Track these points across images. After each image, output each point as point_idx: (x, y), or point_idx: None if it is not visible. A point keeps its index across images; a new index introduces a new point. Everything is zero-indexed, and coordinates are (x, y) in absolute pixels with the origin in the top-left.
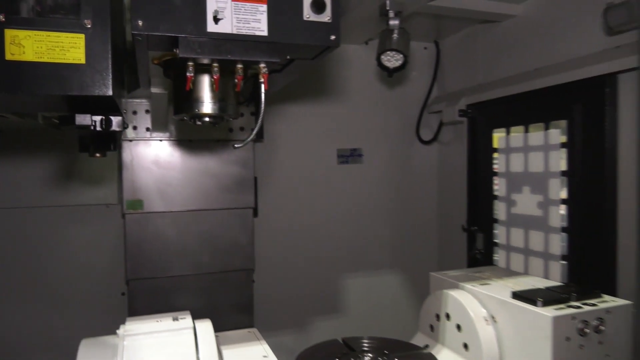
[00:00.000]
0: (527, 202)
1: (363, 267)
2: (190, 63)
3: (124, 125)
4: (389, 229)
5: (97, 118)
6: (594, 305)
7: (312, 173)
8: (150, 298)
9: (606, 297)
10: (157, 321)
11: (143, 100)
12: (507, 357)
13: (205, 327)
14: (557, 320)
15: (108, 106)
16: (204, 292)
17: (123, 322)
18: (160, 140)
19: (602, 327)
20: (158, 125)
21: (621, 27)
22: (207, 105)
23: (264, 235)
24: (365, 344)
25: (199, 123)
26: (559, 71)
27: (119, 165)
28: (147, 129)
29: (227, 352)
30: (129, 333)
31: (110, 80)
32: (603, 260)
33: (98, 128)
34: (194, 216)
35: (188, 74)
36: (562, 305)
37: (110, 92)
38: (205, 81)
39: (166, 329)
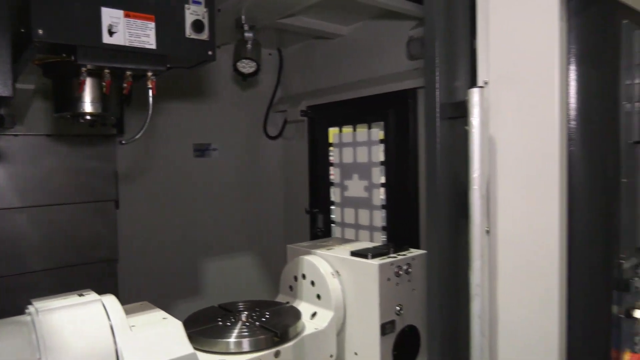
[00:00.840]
0: (356, 187)
1: (221, 250)
2: (84, 68)
3: (14, 122)
4: (241, 215)
5: None
6: (404, 255)
7: (171, 166)
8: (9, 296)
9: (412, 250)
10: (64, 298)
11: None
12: (349, 299)
13: (112, 299)
14: (381, 266)
15: None
16: (67, 286)
17: None
18: (15, 135)
19: (410, 270)
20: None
21: (418, 55)
22: (93, 105)
23: (128, 226)
24: (240, 306)
25: (82, 121)
26: (377, 84)
27: None
28: None
29: (130, 319)
30: (41, 309)
31: (11, 82)
32: (410, 226)
33: None
34: (54, 211)
35: (82, 78)
36: (384, 257)
37: (11, 93)
38: (91, 83)
39: (76, 303)
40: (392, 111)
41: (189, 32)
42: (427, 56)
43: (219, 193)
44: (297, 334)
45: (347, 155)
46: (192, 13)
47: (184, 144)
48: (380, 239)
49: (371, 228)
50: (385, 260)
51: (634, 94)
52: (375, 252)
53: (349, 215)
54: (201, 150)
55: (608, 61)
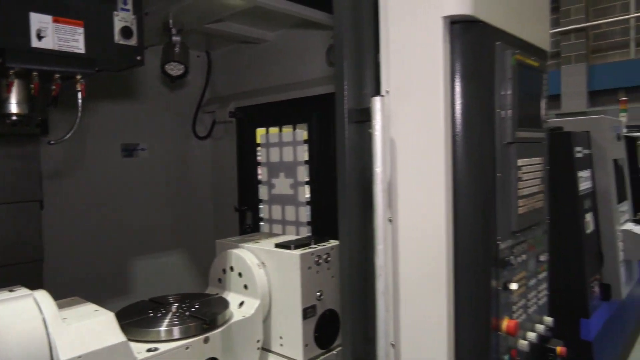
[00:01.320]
0: (282, 185)
1: (151, 249)
2: (12, 70)
3: None
4: (171, 213)
5: None
6: (324, 245)
7: (98, 166)
8: None
9: (332, 241)
10: None
11: None
12: (274, 288)
13: (43, 293)
14: (302, 256)
15: None
16: None
17: None
18: None
19: (329, 259)
20: None
21: None
22: (20, 106)
23: (54, 226)
24: (170, 299)
25: (7, 121)
26: (301, 87)
27: None
28: None
29: (62, 312)
30: None
31: None
32: (332, 220)
33: None
34: None
35: (10, 80)
36: (306, 248)
37: None
38: (19, 84)
39: (7, 298)
40: (314, 113)
41: (117, 37)
42: (337, 67)
43: (148, 192)
44: (225, 322)
45: (274, 155)
46: (121, 20)
47: (111, 144)
48: (305, 233)
49: (297, 223)
50: (307, 250)
51: (507, 102)
52: (297, 244)
53: (276, 211)
54: (129, 150)
55: (485, 76)
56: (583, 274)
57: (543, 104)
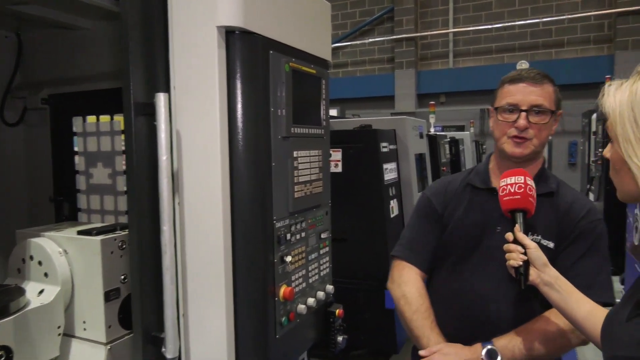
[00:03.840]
0: (101, 174)
1: None
2: None
3: None
4: None
5: None
6: (126, 231)
7: None
8: None
9: None
10: None
11: None
12: (76, 274)
13: None
14: (103, 241)
15: None
16: None
17: None
18: None
19: None
20: None
21: None
22: None
23: None
24: None
25: None
26: (119, 77)
27: None
28: None
29: None
30: None
31: None
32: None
33: None
34: None
35: None
36: (109, 234)
37: None
38: None
39: None
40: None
41: None
42: (123, 63)
43: None
44: (19, 309)
45: (92, 145)
46: None
47: None
48: (125, 220)
49: (116, 212)
50: (109, 236)
51: (282, 103)
52: (100, 230)
53: (95, 201)
54: None
55: (261, 79)
56: (386, 252)
57: (323, 105)
